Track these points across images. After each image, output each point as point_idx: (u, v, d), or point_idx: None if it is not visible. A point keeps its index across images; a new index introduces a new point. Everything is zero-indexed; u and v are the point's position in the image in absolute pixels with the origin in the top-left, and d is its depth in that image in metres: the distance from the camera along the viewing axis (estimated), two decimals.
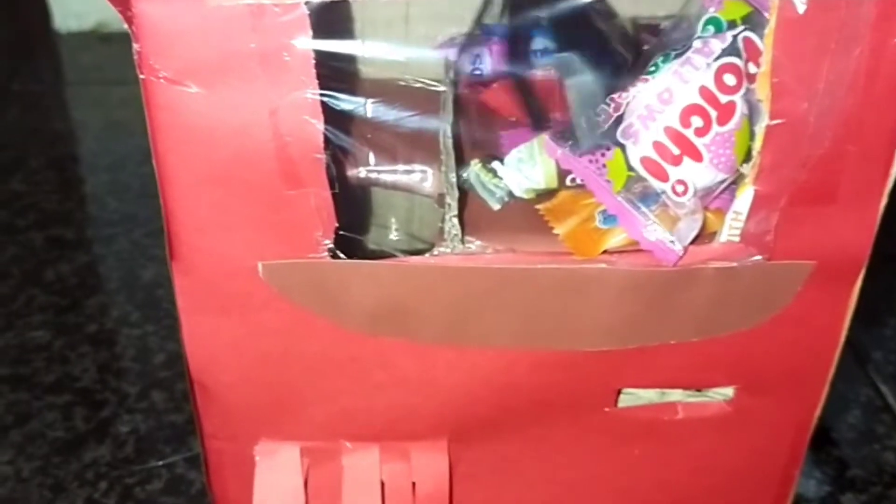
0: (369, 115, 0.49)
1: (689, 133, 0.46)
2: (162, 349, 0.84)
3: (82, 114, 1.21)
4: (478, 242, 0.50)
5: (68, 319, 0.88)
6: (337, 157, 0.48)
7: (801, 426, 0.57)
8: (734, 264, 0.48)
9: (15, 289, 0.91)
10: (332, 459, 0.55)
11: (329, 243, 0.47)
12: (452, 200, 0.50)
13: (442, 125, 0.52)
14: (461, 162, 0.53)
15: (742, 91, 0.47)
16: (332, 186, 0.46)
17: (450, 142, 0.52)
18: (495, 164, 0.52)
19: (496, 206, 0.53)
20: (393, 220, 0.55)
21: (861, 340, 0.88)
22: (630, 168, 0.48)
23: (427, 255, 0.50)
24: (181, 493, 0.71)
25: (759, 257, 0.48)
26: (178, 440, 0.75)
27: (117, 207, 1.03)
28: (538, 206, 0.51)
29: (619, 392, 0.54)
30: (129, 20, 0.42)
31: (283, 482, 0.55)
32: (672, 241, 0.47)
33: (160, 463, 0.73)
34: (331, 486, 0.55)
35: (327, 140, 0.45)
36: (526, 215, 0.52)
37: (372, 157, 0.51)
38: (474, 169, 0.53)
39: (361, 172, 0.52)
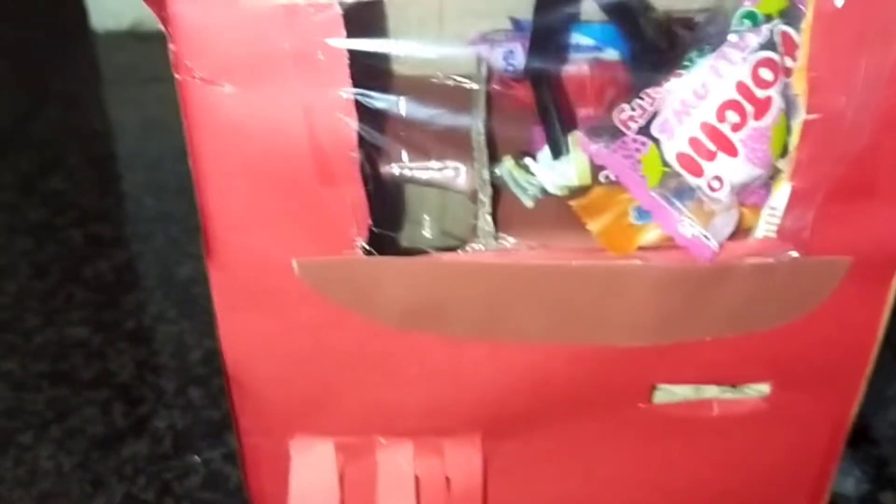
0: (402, 112, 0.49)
1: (724, 128, 0.46)
2: (199, 346, 0.84)
3: (119, 112, 1.22)
4: (511, 239, 0.50)
5: (107, 316, 0.89)
6: (370, 154, 0.48)
7: (837, 423, 0.56)
8: (770, 260, 0.48)
9: (55, 286, 0.92)
10: (366, 454, 0.56)
11: (363, 240, 0.47)
12: (486, 197, 0.50)
13: (474, 122, 0.52)
14: (494, 159, 0.52)
15: (779, 85, 0.46)
16: (365, 184, 0.46)
17: (482, 139, 0.52)
18: (528, 161, 0.52)
19: (529, 203, 0.52)
20: (426, 216, 0.55)
21: None
22: (665, 163, 0.47)
23: (460, 251, 0.50)
24: (218, 488, 0.72)
25: (795, 253, 0.48)
26: (215, 436, 0.75)
27: (154, 205, 1.04)
28: (571, 203, 0.51)
29: (653, 388, 0.54)
30: (165, 21, 0.42)
31: (318, 477, 0.55)
32: (707, 237, 0.47)
33: (198, 458, 0.74)
34: (365, 481, 0.56)
35: (361, 138, 0.45)
36: (559, 212, 0.51)
37: (405, 155, 0.51)
38: (507, 165, 0.52)
39: (395, 170, 0.52)
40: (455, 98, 0.52)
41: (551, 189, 0.52)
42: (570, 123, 0.51)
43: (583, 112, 0.53)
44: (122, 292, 0.92)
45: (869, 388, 0.75)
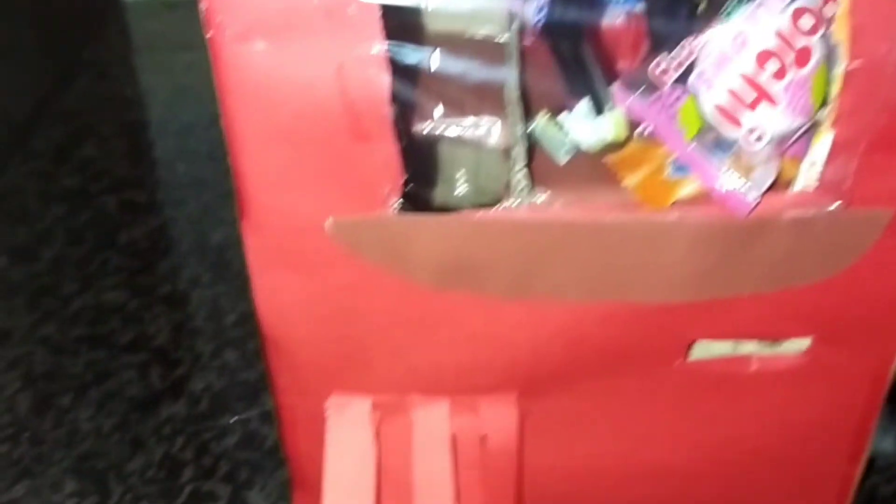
0: (435, 67, 0.48)
1: (764, 78, 0.45)
2: (233, 309, 0.85)
3: (150, 80, 1.22)
4: (546, 195, 0.49)
5: (142, 281, 0.90)
6: (403, 111, 0.48)
7: (877, 378, 0.55)
8: (810, 213, 0.47)
9: (90, 252, 0.93)
10: (402, 413, 0.56)
11: (397, 198, 0.47)
12: (520, 153, 0.49)
13: (508, 77, 0.51)
14: (528, 114, 0.52)
15: (819, 34, 0.45)
16: (398, 141, 0.45)
17: (516, 94, 0.51)
18: (562, 116, 0.51)
19: (563, 160, 0.52)
20: (460, 174, 0.54)
21: None
22: (703, 116, 0.46)
23: (494, 209, 0.49)
24: (255, 448, 0.72)
25: (836, 205, 0.47)
26: (251, 397, 0.76)
27: (186, 171, 1.04)
28: (607, 158, 0.50)
29: (690, 345, 0.53)
30: None
31: (354, 435, 0.55)
32: (746, 191, 0.46)
33: (235, 419, 0.75)
34: (401, 439, 0.55)
35: (393, 94, 0.44)
36: (594, 167, 0.51)
37: (438, 111, 0.50)
38: (541, 121, 0.52)
39: (428, 126, 0.51)
40: (488, 53, 0.51)
41: (585, 145, 0.51)
42: (606, 76, 0.50)
43: (618, 65, 0.53)
44: (157, 257, 0.93)
45: None
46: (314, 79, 0.44)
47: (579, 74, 0.51)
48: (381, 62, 0.43)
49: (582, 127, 0.51)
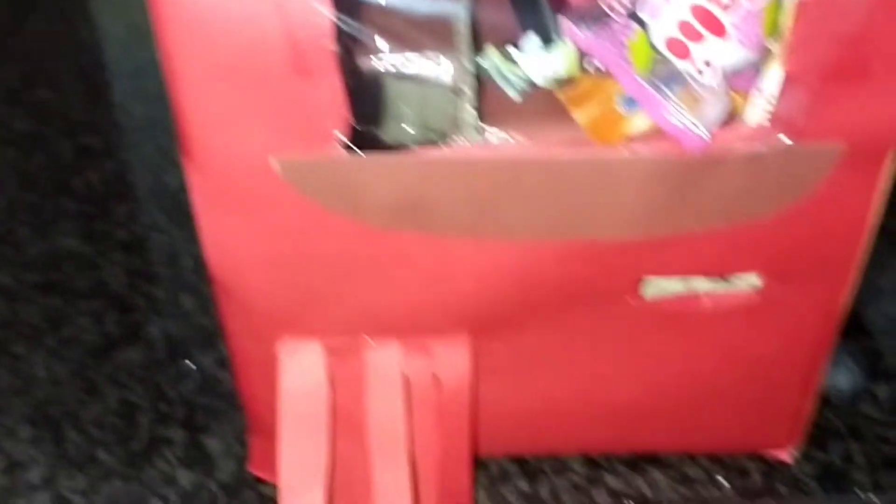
0: (379, 1, 0.47)
1: (715, 9, 0.44)
2: (190, 254, 0.84)
3: (106, 21, 1.19)
4: (496, 133, 0.48)
5: (97, 226, 0.88)
6: (348, 46, 0.46)
7: (829, 313, 0.56)
8: (763, 148, 0.47)
9: (45, 197, 0.91)
10: (355, 355, 0.55)
11: (343, 137, 0.46)
12: (468, 89, 0.48)
13: (457, 11, 0.50)
14: (478, 49, 0.51)
15: None
16: (343, 77, 0.44)
17: (465, 28, 0.50)
18: (513, 51, 0.50)
19: (514, 96, 0.51)
20: (408, 111, 0.53)
21: None
22: (653, 48, 0.46)
23: (444, 147, 0.48)
24: (212, 393, 0.71)
25: (786, 140, 0.46)
26: (208, 342, 0.75)
27: (143, 114, 1.02)
28: (558, 93, 0.49)
29: (642, 282, 0.53)
30: None
31: (307, 378, 0.55)
32: (696, 125, 0.45)
33: (191, 364, 0.74)
34: (354, 381, 0.55)
35: (337, 28, 0.43)
36: (546, 104, 0.50)
37: (385, 46, 0.49)
38: (492, 57, 0.50)
39: (374, 62, 0.50)
40: None
41: (538, 80, 0.50)
42: (555, 9, 0.49)
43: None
44: (113, 202, 0.91)
45: (863, 280, 0.75)
46: (255, 12, 0.42)
47: (528, 7, 0.49)
48: None
49: (533, 62, 0.50)
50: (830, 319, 0.56)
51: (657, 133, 0.47)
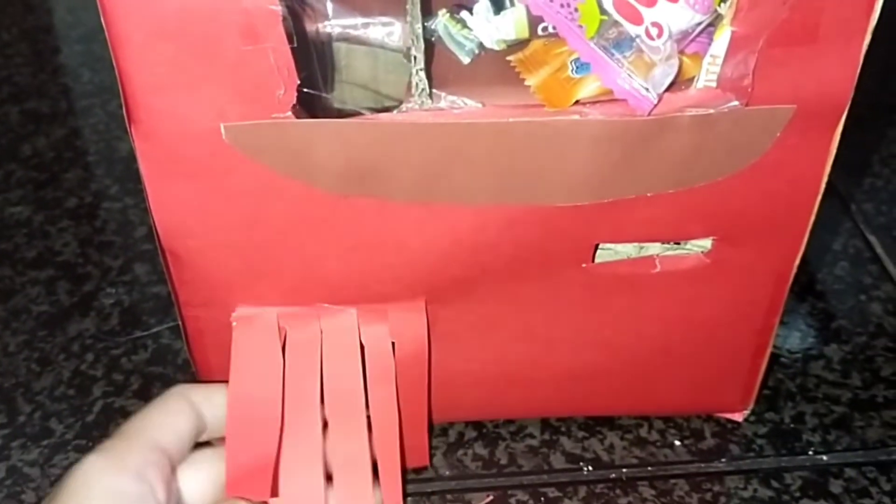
0: None
1: None
2: (143, 222, 0.83)
3: None
4: (447, 97, 0.48)
5: (47, 194, 0.87)
6: (295, 9, 0.46)
7: (780, 276, 0.56)
8: (711, 111, 0.47)
9: None
10: (310, 323, 0.55)
11: (292, 102, 0.45)
12: (418, 53, 0.48)
13: None
14: (428, 12, 0.50)
15: None
16: (290, 41, 0.44)
17: None
18: (464, 14, 0.50)
19: (466, 60, 0.50)
20: (358, 76, 0.53)
21: (851, 191, 0.87)
22: (603, 11, 0.46)
23: (394, 111, 0.48)
24: (167, 363, 0.71)
25: (736, 103, 0.47)
26: (162, 311, 0.75)
27: (91, 78, 1.00)
28: (510, 58, 0.49)
29: (596, 247, 0.53)
30: None
31: (260, 346, 0.54)
32: (647, 89, 0.45)
33: (145, 333, 0.73)
34: (310, 350, 0.55)
35: None
36: (499, 67, 0.50)
37: (332, 9, 0.48)
38: (442, 20, 0.50)
39: (322, 26, 0.49)
40: None
41: (489, 44, 0.50)
42: None
43: None
44: (63, 169, 0.90)
45: (815, 242, 0.76)
46: None
47: None
48: None
49: (483, 25, 0.50)
50: (781, 282, 0.56)
51: (608, 96, 0.47)
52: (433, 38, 0.50)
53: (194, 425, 0.53)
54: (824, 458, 0.63)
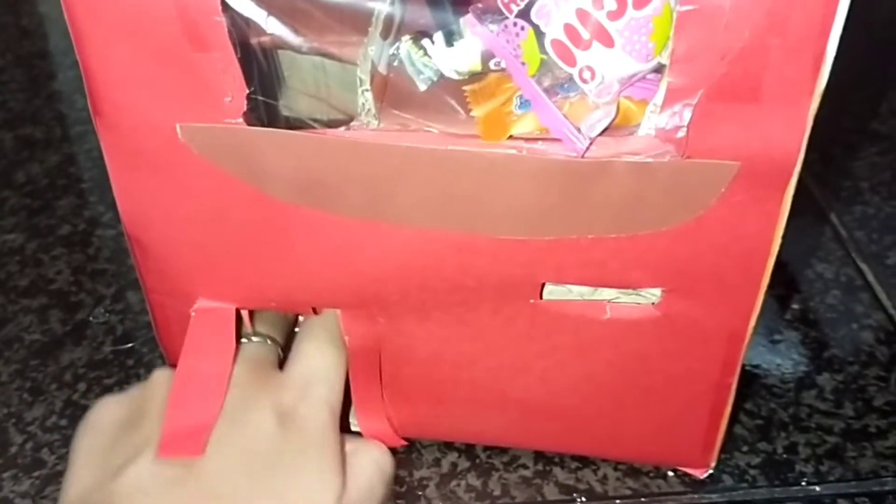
0: None
1: (600, 16, 0.48)
2: None
3: (49, 9, 1.25)
4: (402, 118, 0.53)
5: (41, 221, 0.94)
6: (245, 21, 0.52)
7: (733, 334, 0.58)
8: (649, 160, 0.50)
9: None
10: None
11: (242, 109, 0.51)
12: (364, 74, 0.53)
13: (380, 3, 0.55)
14: (396, 39, 0.56)
15: None
16: (237, 51, 0.50)
17: (382, 15, 0.55)
18: (426, 42, 0.55)
19: (422, 87, 0.56)
20: (302, 84, 0.58)
21: (842, 219, 0.93)
22: (542, 51, 0.50)
23: (343, 128, 0.54)
24: None
25: (671, 154, 0.50)
26: (155, 340, 0.79)
27: (86, 105, 1.04)
28: (465, 88, 0.54)
29: (543, 285, 0.58)
30: None
31: (213, 340, 0.60)
32: (579, 131, 0.49)
33: (137, 363, 0.80)
34: None
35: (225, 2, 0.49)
36: (452, 97, 0.55)
37: (274, 24, 0.53)
38: (405, 45, 0.56)
39: (274, 37, 0.55)
40: None
41: (447, 72, 0.55)
42: (463, 6, 0.55)
43: None
44: (56, 196, 0.97)
45: (809, 271, 0.83)
46: None
47: (434, 2, 0.55)
48: None
49: (441, 55, 0.55)
50: (735, 341, 0.58)
51: (546, 134, 0.51)
52: (395, 63, 0.56)
53: None
54: (817, 488, 0.68)
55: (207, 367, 0.60)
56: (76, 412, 0.76)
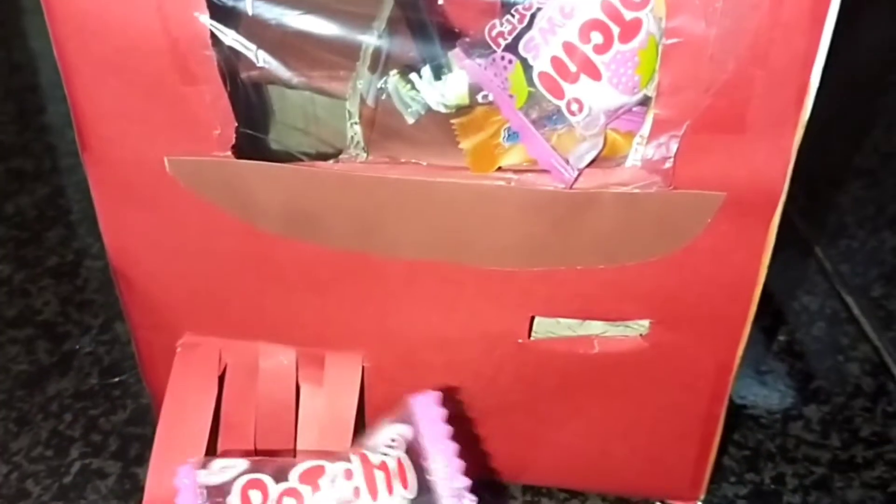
0: (256, 12, 0.52)
1: (587, 49, 0.49)
2: None
3: (40, 44, 1.26)
4: (382, 151, 0.54)
5: (29, 253, 0.95)
6: (228, 55, 0.52)
7: (722, 365, 0.59)
8: (636, 190, 0.51)
9: None
10: (249, 358, 0.61)
11: (231, 142, 0.52)
12: (353, 107, 0.54)
13: (368, 37, 0.56)
14: (384, 72, 0.56)
15: (649, 7, 0.48)
16: (226, 85, 0.50)
17: (369, 52, 0.56)
18: (413, 76, 0.56)
19: (410, 120, 0.56)
20: (298, 122, 0.59)
21: (827, 252, 0.94)
22: (530, 83, 0.51)
23: (332, 161, 0.54)
24: (146, 423, 0.77)
25: (657, 185, 0.50)
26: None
27: (75, 138, 1.08)
28: (453, 121, 0.55)
29: (532, 320, 0.58)
30: None
31: (198, 375, 0.60)
32: (566, 162, 0.50)
33: (124, 394, 0.80)
34: (246, 386, 0.62)
35: (219, 38, 0.50)
36: (441, 129, 0.55)
37: (264, 57, 0.54)
38: (393, 79, 0.56)
39: (263, 72, 0.55)
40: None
41: (434, 106, 0.56)
42: (450, 40, 0.55)
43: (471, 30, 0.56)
44: (45, 228, 0.98)
45: (793, 303, 0.83)
46: (136, 14, 0.48)
47: (422, 38, 0.56)
48: (200, 2, 0.48)
49: (429, 88, 0.56)
50: (723, 372, 0.59)
51: (534, 166, 0.52)
52: (383, 96, 0.57)
53: None
54: None
55: (191, 407, 0.60)
56: (62, 443, 0.76)
